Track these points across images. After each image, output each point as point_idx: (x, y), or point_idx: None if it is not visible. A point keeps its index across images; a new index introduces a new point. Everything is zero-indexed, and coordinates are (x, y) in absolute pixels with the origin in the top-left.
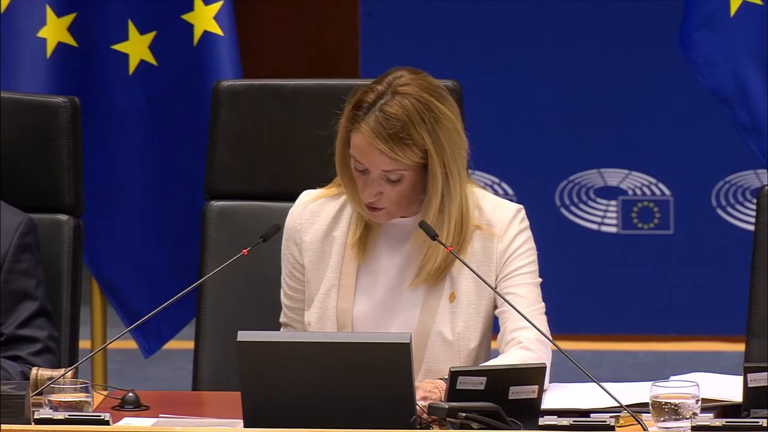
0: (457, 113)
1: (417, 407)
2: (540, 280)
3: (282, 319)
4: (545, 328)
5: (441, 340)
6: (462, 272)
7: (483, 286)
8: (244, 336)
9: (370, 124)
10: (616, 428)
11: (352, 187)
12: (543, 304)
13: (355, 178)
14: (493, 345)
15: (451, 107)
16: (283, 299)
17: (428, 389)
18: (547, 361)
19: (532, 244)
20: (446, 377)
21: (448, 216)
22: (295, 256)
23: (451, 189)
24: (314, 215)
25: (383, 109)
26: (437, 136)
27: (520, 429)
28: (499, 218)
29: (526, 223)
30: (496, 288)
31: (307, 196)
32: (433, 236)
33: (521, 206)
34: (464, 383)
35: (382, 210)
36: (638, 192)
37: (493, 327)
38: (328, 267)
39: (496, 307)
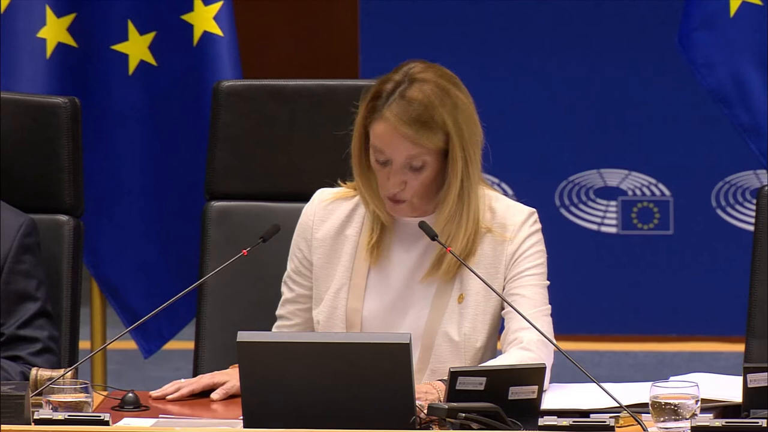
0: (472, 100)
1: (417, 407)
2: (548, 282)
3: (278, 311)
4: (548, 330)
5: (447, 340)
6: (471, 274)
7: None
8: (244, 336)
9: (393, 110)
10: (616, 428)
11: (369, 186)
12: (549, 306)
13: (377, 171)
14: (498, 345)
15: (467, 95)
16: (284, 291)
17: (423, 390)
18: (548, 362)
19: (542, 247)
20: (446, 378)
21: (467, 202)
22: (304, 252)
23: (470, 175)
24: (328, 213)
25: (404, 95)
26: (457, 120)
27: (519, 429)
28: (511, 221)
29: (538, 226)
30: (503, 288)
31: (322, 194)
32: (433, 236)
33: (534, 210)
34: (464, 383)
35: (404, 203)
36: (638, 192)
37: (499, 328)
38: (339, 266)
39: (503, 308)
